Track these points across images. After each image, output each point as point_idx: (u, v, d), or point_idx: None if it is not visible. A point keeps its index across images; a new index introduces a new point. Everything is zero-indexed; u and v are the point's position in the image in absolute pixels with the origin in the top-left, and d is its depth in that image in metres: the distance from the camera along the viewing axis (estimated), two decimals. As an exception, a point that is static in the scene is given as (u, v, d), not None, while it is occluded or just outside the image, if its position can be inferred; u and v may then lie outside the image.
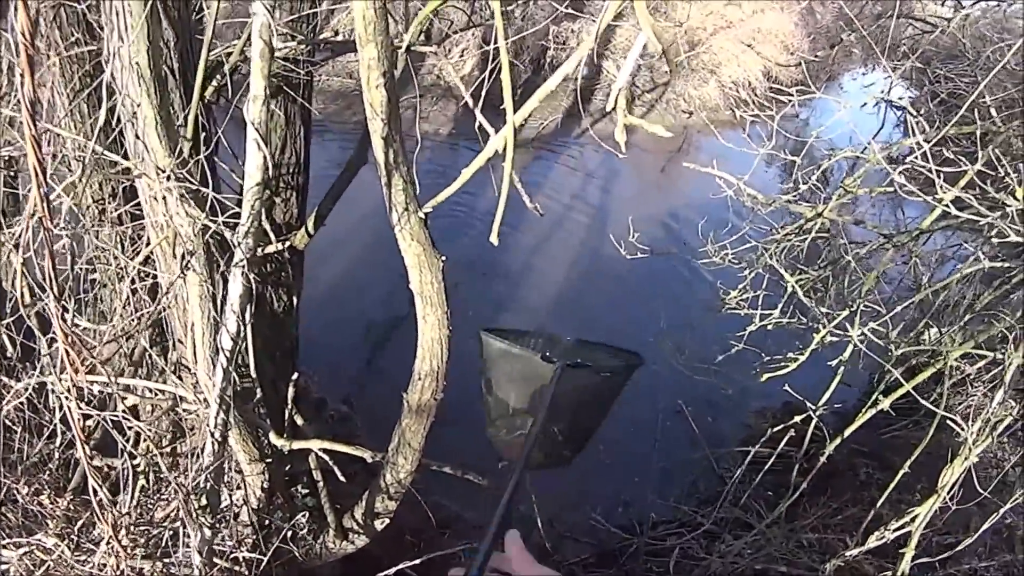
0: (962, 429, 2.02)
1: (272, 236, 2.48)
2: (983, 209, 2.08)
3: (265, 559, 1.95)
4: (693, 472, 3.97)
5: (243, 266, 1.36)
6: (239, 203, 1.46)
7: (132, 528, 1.77)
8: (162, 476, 2.13)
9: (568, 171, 7.04)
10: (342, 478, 1.99)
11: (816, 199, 2.95)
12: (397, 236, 1.56)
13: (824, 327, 2.62)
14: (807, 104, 6.73)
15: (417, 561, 1.86)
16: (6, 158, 2.01)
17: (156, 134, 1.27)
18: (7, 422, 1.97)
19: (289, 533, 2.17)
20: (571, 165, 7.13)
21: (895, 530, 2.17)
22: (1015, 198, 2.14)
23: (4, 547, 1.75)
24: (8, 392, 1.73)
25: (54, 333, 1.11)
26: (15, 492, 1.95)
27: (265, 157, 1.28)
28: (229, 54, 2.10)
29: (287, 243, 2.52)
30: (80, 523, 1.93)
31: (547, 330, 1.05)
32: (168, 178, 1.29)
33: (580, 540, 3.48)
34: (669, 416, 4.17)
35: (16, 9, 0.90)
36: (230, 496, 2.08)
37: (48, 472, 2.09)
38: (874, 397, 2.52)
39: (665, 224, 6.09)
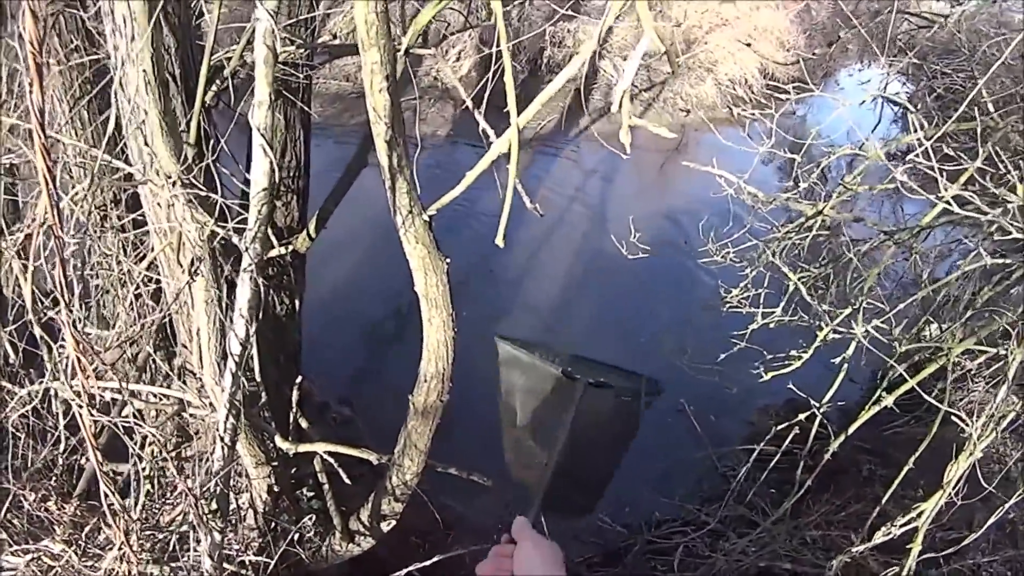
0: (967, 425, 2.03)
1: (274, 240, 2.47)
2: (984, 205, 2.08)
3: (272, 562, 1.96)
4: (696, 471, 3.97)
5: (252, 271, 1.36)
6: (242, 207, 1.46)
7: (140, 533, 1.77)
8: (167, 480, 2.14)
9: (568, 169, 7.05)
10: (347, 480, 1.99)
11: (816, 196, 2.96)
12: (402, 239, 1.56)
13: (827, 324, 2.62)
14: (804, 101, 6.75)
15: (425, 563, 1.86)
16: (7, 165, 2.01)
17: (162, 140, 1.27)
18: (11, 428, 1.97)
19: (296, 536, 2.18)
20: (571, 163, 7.14)
21: (901, 526, 2.17)
22: (1016, 194, 2.15)
23: (12, 553, 1.75)
24: (12, 398, 1.74)
25: (63, 340, 1.12)
26: (21, 498, 1.96)
27: (271, 162, 1.28)
28: (229, 58, 2.10)
29: (289, 247, 2.52)
30: (87, 529, 1.93)
31: (558, 344, 1.05)
32: (175, 184, 1.29)
33: (586, 541, 3.48)
34: (671, 414, 4.17)
35: (24, 16, 0.89)
36: (236, 500, 2.08)
37: (54, 478, 2.10)
38: (878, 394, 2.53)
39: (665, 223, 6.09)
